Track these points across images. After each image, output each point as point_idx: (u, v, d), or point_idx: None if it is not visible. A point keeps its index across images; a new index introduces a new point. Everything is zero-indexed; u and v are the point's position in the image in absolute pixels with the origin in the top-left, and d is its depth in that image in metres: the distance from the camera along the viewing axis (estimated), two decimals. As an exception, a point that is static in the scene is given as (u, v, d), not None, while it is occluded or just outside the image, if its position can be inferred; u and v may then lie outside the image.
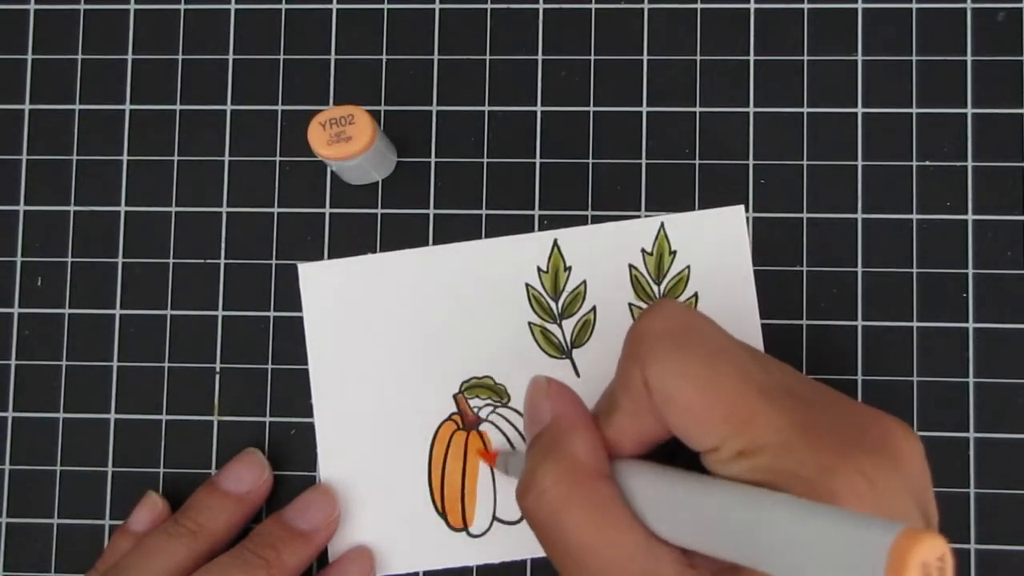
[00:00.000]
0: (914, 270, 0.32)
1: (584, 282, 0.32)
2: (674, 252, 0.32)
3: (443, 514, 0.32)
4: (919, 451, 0.21)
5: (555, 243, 0.32)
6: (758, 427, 0.20)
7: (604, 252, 0.32)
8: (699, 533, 0.20)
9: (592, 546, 0.21)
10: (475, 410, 0.32)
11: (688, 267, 0.32)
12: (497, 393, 0.32)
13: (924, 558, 0.15)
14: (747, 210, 0.32)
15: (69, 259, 0.33)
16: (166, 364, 0.33)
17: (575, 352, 0.32)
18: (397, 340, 0.32)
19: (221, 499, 0.30)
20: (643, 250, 0.32)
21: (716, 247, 0.32)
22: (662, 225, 0.32)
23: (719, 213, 0.32)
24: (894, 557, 0.15)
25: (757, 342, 0.32)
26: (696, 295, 0.32)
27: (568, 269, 0.32)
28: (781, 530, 0.18)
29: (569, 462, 0.22)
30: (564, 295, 0.32)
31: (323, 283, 0.33)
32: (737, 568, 0.20)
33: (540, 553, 0.31)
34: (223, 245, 0.33)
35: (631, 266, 0.32)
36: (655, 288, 0.32)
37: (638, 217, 0.33)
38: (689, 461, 0.22)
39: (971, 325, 0.32)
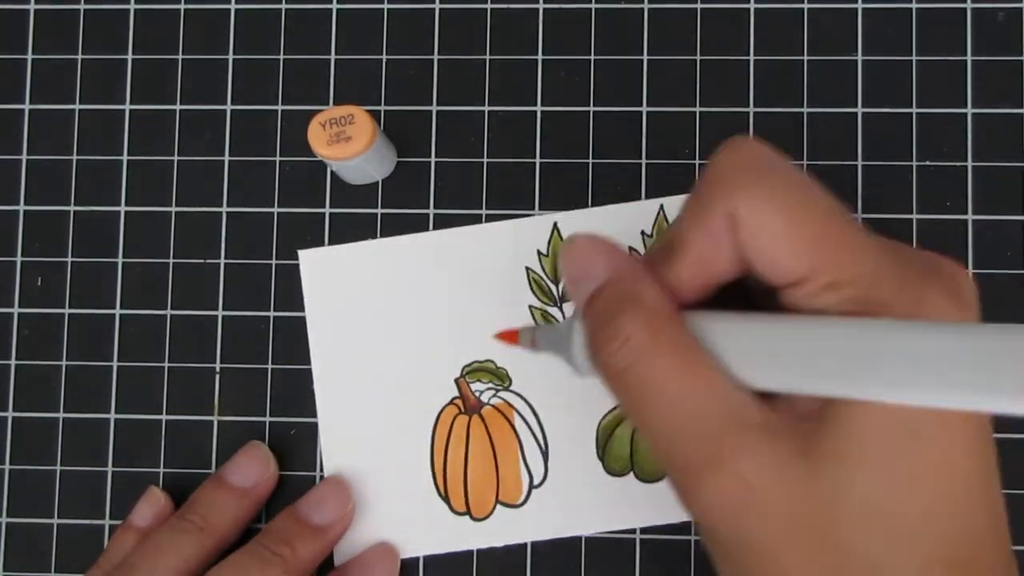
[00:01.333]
0: (914, 270, 0.32)
1: None
2: None
3: (446, 498, 0.32)
4: (977, 295, 0.21)
5: (555, 226, 0.33)
6: (850, 254, 0.20)
7: (604, 235, 0.32)
8: (791, 369, 0.20)
9: (679, 393, 0.20)
10: (477, 394, 0.32)
11: None
12: (498, 377, 0.32)
13: None
14: (747, 210, 0.32)
15: (69, 259, 0.33)
16: (166, 364, 0.33)
17: None
18: (398, 325, 0.32)
19: (227, 494, 0.30)
20: (643, 232, 0.32)
21: None
22: (661, 207, 0.32)
23: None
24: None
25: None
26: None
27: None
28: (896, 352, 0.17)
29: (647, 309, 0.21)
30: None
31: (324, 269, 0.33)
32: (824, 405, 0.19)
33: (542, 536, 0.31)
34: (223, 245, 0.33)
35: (631, 249, 0.32)
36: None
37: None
38: (756, 306, 0.21)
39: (971, 325, 0.32)
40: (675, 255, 0.22)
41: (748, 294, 0.22)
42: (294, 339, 0.33)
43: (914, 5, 0.33)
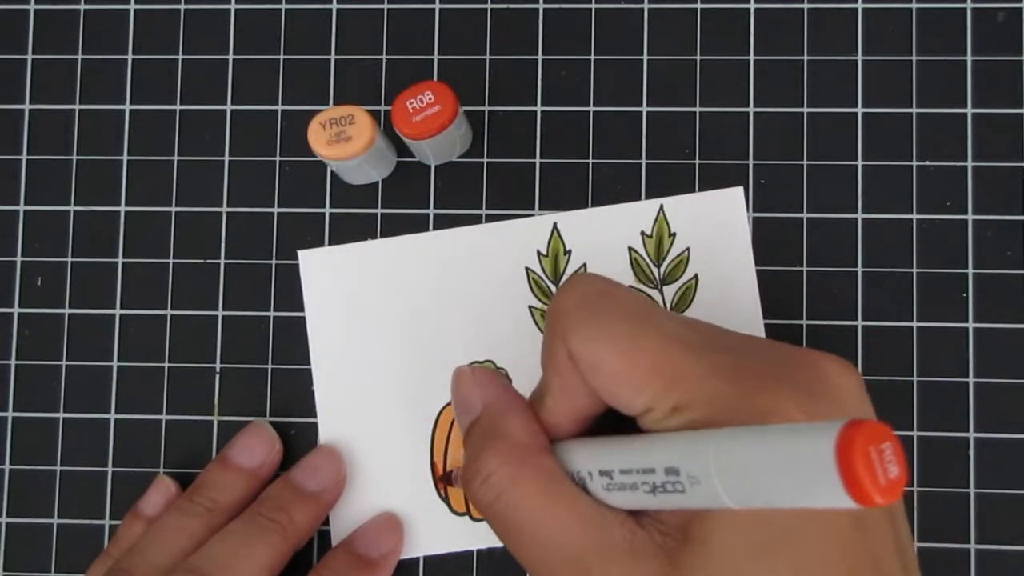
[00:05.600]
0: (914, 270, 0.32)
1: (584, 265, 0.32)
2: (674, 234, 0.32)
3: (445, 498, 0.32)
4: (854, 382, 0.21)
5: (555, 227, 0.33)
6: (686, 380, 0.20)
7: (604, 235, 0.32)
8: (632, 489, 0.20)
9: (543, 520, 0.21)
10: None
11: (688, 249, 0.32)
12: None
13: (871, 443, 0.15)
14: (747, 210, 0.32)
15: (69, 259, 0.33)
16: (166, 364, 0.33)
17: None
18: (397, 326, 0.32)
19: (234, 474, 0.30)
20: (643, 232, 0.32)
21: (716, 229, 0.32)
22: (661, 207, 0.32)
23: (718, 195, 0.32)
24: (841, 448, 0.15)
25: (758, 323, 0.32)
26: (696, 277, 0.32)
27: (568, 253, 0.32)
28: (726, 459, 0.18)
29: (509, 443, 0.22)
30: (564, 278, 0.32)
31: (323, 269, 0.33)
32: (688, 520, 0.20)
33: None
34: (223, 245, 0.33)
35: (631, 249, 0.32)
36: (655, 270, 0.32)
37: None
38: (631, 431, 0.22)
39: (971, 325, 0.32)
40: (543, 396, 0.23)
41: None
42: (294, 339, 0.33)
43: (914, 5, 0.33)
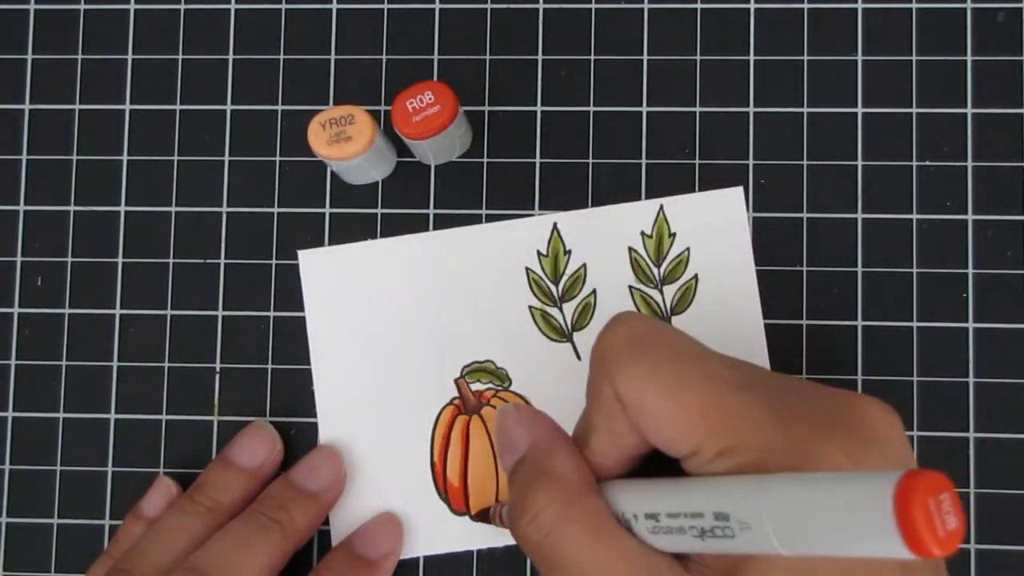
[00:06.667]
0: (914, 270, 0.32)
1: (584, 265, 0.32)
2: (674, 234, 0.32)
3: (445, 498, 0.32)
4: (897, 426, 0.21)
5: (555, 227, 0.33)
6: (734, 424, 0.20)
7: (604, 235, 0.32)
8: (680, 532, 0.20)
9: (590, 562, 0.21)
10: (476, 394, 0.32)
11: (688, 249, 0.32)
12: (498, 377, 0.32)
13: (930, 494, 0.15)
14: (747, 210, 0.32)
15: (69, 259, 0.33)
16: (166, 364, 0.33)
17: (576, 335, 0.32)
18: (397, 326, 0.32)
19: (235, 474, 0.30)
20: (643, 232, 0.32)
21: (716, 229, 0.32)
22: (661, 207, 0.32)
23: (718, 195, 0.32)
24: (900, 499, 0.15)
25: (758, 323, 0.32)
26: (696, 277, 0.32)
27: (568, 252, 0.32)
28: (780, 506, 0.18)
29: (558, 482, 0.22)
30: (564, 278, 0.32)
31: (323, 269, 0.33)
32: (734, 565, 0.20)
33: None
34: (223, 245, 0.33)
35: (631, 249, 0.32)
36: (655, 270, 0.32)
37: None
38: (676, 472, 0.22)
39: (971, 325, 0.32)
40: (588, 436, 0.23)
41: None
42: (294, 339, 0.33)
43: (914, 5, 0.33)
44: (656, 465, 0.23)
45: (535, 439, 0.23)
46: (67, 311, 0.33)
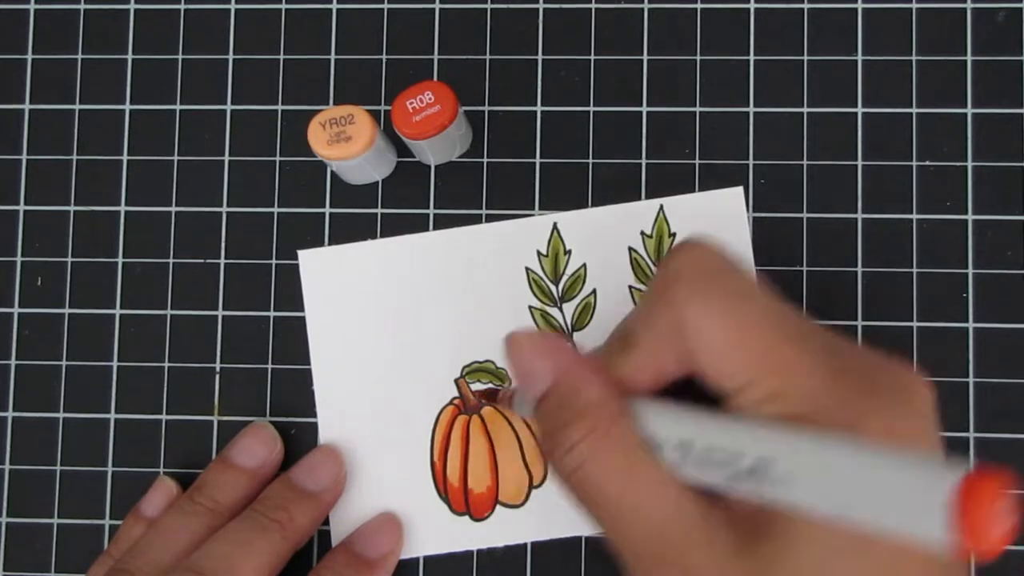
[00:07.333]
0: (914, 270, 0.32)
1: (584, 265, 0.32)
2: (674, 234, 0.32)
3: (446, 498, 0.32)
4: (933, 398, 0.21)
5: (555, 227, 0.33)
6: (790, 370, 0.20)
7: (604, 235, 0.32)
8: (715, 469, 0.20)
9: (623, 494, 0.21)
10: (476, 394, 0.32)
11: None
12: (498, 377, 0.32)
13: (994, 492, 0.15)
14: (748, 210, 0.32)
15: (69, 259, 0.33)
16: (166, 364, 0.33)
17: (576, 335, 0.32)
18: (397, 326, 0.32)
19: (236, 475, 0.30)
20: (643, 232, 0.32)
21: (716, 229, 0.32)
22: (661, 207, 0.32)
23: (718, 195, 0.32)
24: (965, 492, 0.15)
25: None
26: None
27: (568, 253, 0.32)
28: (831, 468, 0.18)
29: (592, 414, 0.22)
30: (564, 279, 0.32)
31: (323, 269, 0.33)
32: (758, 512, 0.20)
33: (542, 536, 0.31)
34: (223, 245, 0.33)
35: (631, 249, 0.32)
36: (655, 271, 0.32)
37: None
38: (699, 403, 0.22)
39: (971, 325, 0.32)
40: (627, 350, 0.23)
41: (701, 386, 0.23)
42: (294, 339, 0.33)
43: (914, 5, 0.33)
44: (674, 396, 0.23)
45: (561, 371, 0.23)
46: (67, 311, 0.33)
